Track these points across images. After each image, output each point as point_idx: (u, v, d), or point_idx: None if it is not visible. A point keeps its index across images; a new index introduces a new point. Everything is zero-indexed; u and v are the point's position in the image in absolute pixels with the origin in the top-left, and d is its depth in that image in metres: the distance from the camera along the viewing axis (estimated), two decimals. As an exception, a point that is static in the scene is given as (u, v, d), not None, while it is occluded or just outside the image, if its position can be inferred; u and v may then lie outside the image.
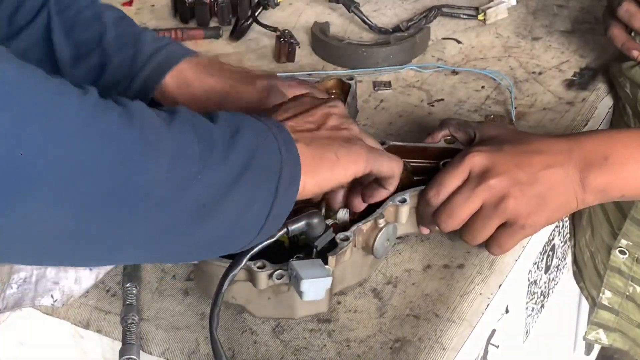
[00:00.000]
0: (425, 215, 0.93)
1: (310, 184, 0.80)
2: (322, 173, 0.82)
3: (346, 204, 0.97)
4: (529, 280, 1.19)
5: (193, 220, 0.70)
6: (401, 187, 0.96)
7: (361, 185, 0.93)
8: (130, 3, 1.46)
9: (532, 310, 1.27)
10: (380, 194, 0.92)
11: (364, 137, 0.88)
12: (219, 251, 0.79)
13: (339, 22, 1.32)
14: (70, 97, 0.61)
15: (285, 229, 0.87)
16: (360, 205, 0.93)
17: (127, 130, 0.64)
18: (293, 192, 0.79)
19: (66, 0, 0.98)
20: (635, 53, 1.06)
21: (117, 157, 0.63)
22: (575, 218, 1.29)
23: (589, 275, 1.27)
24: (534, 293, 1.25)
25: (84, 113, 0.61)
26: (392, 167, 0.90)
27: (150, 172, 0.66)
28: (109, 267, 0.98)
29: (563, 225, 1.28)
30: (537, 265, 1.21)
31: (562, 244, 1.30)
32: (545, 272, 1.25)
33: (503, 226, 0.89)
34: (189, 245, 0.74)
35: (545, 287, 1.29)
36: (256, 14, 1.32)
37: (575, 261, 1.32)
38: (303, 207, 0.94)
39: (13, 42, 0.96)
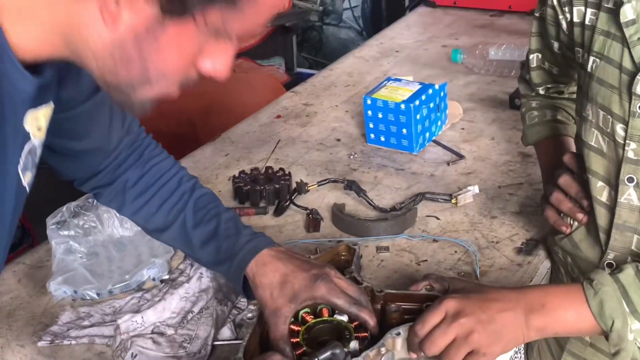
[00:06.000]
0: (414, 344, 0.91)
1: None
2: None
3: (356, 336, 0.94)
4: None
5: None
6: (396, 324, 0.95)
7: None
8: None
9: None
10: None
11: None
12: None
13: (351, 203, 1.32)
14: None
15: (316, 359, 0.88)
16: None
17: None
18: None
19: (199, 203, 1.04)
20: (564, 228, 1.06)
21: None
22: (528, 351, 1.23)
23: (540, 395, 1.21)
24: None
25: None
26: None
27: None
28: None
29: (520, 358, 1.21)
30: (502, 388, 1.16)
31: (521, 372, 1.26)
32: (509, 393, 1.19)
33: (470, 353, 0.88)
34: None
35: (509, 404, 1.21)
36: (293, 197, 1.34)
37: (530, 385, 1.27)
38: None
39: (165, 233, 1.05)
